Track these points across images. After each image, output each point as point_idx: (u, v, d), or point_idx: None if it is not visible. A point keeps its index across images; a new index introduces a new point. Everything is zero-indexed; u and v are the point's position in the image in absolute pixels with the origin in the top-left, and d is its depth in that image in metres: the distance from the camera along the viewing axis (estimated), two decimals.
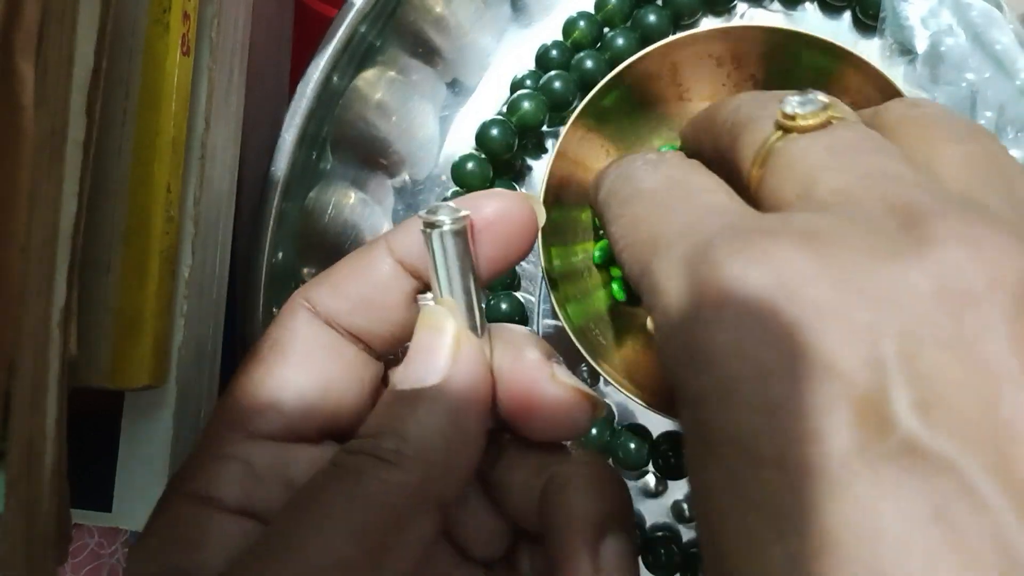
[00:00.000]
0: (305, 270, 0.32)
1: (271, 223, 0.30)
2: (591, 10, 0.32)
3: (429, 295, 0.18)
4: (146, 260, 0.21)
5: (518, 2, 0.33)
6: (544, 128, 0.32)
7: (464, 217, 0.18)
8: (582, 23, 0.32)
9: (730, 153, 0.17)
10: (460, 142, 0.33)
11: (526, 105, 0.31)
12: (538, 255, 0.27)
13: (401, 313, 0.19)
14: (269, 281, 0.30)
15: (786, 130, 0.15)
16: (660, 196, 0.16)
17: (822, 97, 0.16)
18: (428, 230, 0.18)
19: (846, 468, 0.11)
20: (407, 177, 0.33)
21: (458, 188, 0.32)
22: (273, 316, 0.30)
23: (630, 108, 0.29)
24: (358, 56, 0.31)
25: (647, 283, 0.15)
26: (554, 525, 0.17)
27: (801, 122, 0.15)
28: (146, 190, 0.21)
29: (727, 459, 0.12)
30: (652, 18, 0.31)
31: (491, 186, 0.32)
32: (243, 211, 0.29)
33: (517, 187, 0.33)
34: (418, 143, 0.33)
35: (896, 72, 0.30)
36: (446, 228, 0.17)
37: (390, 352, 0.20)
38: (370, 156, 0.33)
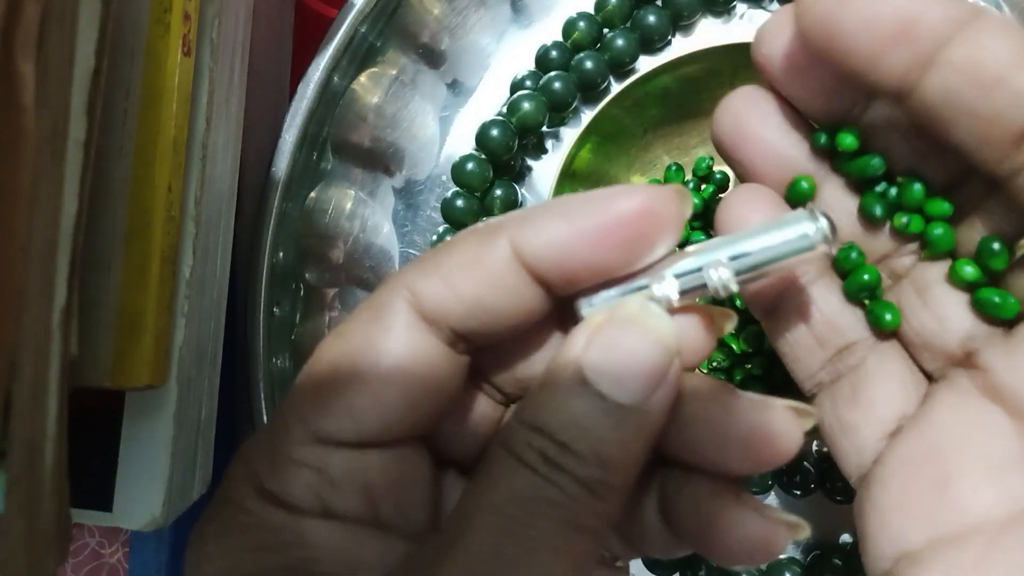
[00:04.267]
0: (306, 272, 0.32)
1: (272, 223, 0.30)
2: (591, 11, 0.32)
3: (588, 300, 0.16)
4: (147, 260, 0.21)
5: (518, 2, 0.33)
6: (544, 129, 0.32)
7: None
8: (582, 24, 0.32)
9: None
10: (460, 142, 0.33)
11: (526, 106, 0.31)
12: None
13: (514, 321, 0.16)
14: (270, 281, 0.30)
15: None
16: None
17: None
18: None
19: None
20: (407, 177, 0.33)
21: (458, 189, 0.32)
22: (275, 316, 0.31)
23: (679, 99, 0.28)
24: (359, 57, 0.31)
25: None
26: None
27: None
28: (147, 190, 0.21)
29: None
30: (652, 19, 0.31)
31: (491, 187, 0.32)
32: (244, 211, 0.29)
33: (517, 188, 0.33)
34: (418, 143, 0.33)
35: None
36: None
37: (489, 348, 0.17)
38: (370, 156, 0.33)
